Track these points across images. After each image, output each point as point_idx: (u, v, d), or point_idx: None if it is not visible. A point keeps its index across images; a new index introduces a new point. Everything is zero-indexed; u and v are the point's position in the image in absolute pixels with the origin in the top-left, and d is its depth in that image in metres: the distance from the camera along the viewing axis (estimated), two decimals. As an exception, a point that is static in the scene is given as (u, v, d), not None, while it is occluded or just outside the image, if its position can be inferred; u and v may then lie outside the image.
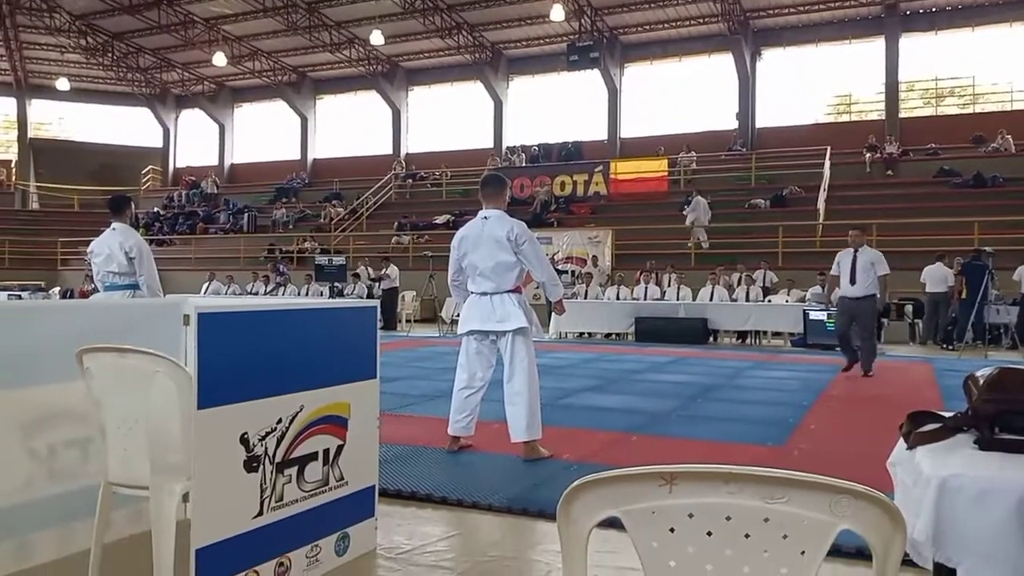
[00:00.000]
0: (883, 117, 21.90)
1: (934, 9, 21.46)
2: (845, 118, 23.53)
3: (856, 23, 22.08)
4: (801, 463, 4.64)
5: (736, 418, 6.19)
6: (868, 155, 20.43)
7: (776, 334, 13.94)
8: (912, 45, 21.76)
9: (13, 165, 30.28)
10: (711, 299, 14.13)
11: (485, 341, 4.85)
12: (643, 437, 5.41)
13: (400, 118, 27.85)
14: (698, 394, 7.46)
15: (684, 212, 18.68)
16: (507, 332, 4.72)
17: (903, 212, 16.78)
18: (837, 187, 19.31)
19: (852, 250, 8.74)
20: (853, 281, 8.61)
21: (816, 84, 23.11)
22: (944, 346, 13.10)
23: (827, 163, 19.76)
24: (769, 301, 14.22)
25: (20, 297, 18.73)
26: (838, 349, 12.16)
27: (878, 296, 8.68)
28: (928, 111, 22.57)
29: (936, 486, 1.62)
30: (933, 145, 20.33)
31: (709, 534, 1.20)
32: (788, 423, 5.97)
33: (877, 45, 21.93)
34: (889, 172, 20.18)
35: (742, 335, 14.20)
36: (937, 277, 13.47)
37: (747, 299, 14.13)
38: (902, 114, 21.96)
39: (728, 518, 1.19)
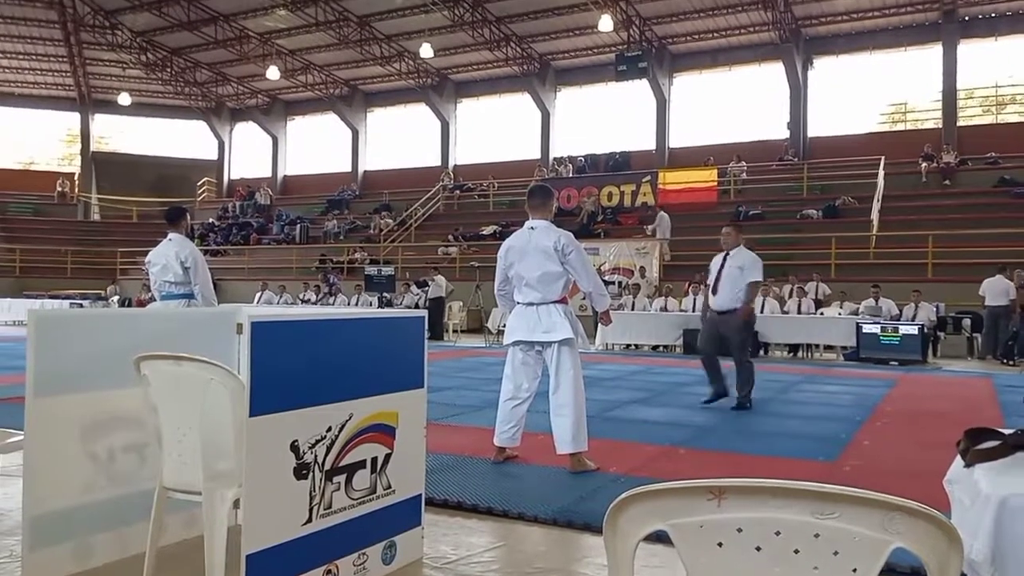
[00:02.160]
0: (940, 126, 21.40)
1: (994, 15, 20.92)
2: (900, 127, 23.04)
3: (912, 30, 21.62)
4: (853, 479, 4.53)
5: (786, 433, 6.08)
6: (924, 165, 19.97)
7: (828, 348, 13.68)
8: (971, 51, 21.24)
9: (76, 178, 31.29)
10: (761, 311, 13.90)
11: (531, 352, 4.85)
12: (691, 451, 5.35)
13: (449, 130, 28.10)
14: (748, 408, 7.34)
15: (647, 229, 18.87)
16: (553, 343, 4.71)
17: (961, 223, 16.36)
18: (892, 197, 18.90)
19: (723, 254, 7.33)
20: (715, 290, 7.24)
21: (870, 92, 22.68)
22: (1004, 361, 12.69)
23: (881, 173, 19.35)
24: (821, 314, 13.97)
25: (81, 306, 19.32)
26: (893, 362, 12.00)
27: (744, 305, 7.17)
28: (988, 119, 21.99)
29: (996, 505, 1.58)
30: (993, 154, 19.79)
31: (758, 549, 1.19)
32: (840, 438, 5.84)
33: (934, 52, 21.46)
34: (946, 182, 19.68)
35: (793, 348, 13.97)
36: (997, 290, 13.09)
37: (798, 311, 13.90)
38: (960, 122, 21.42)
39: (777, 533, 1.17)
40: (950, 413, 7.13)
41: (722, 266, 7.21)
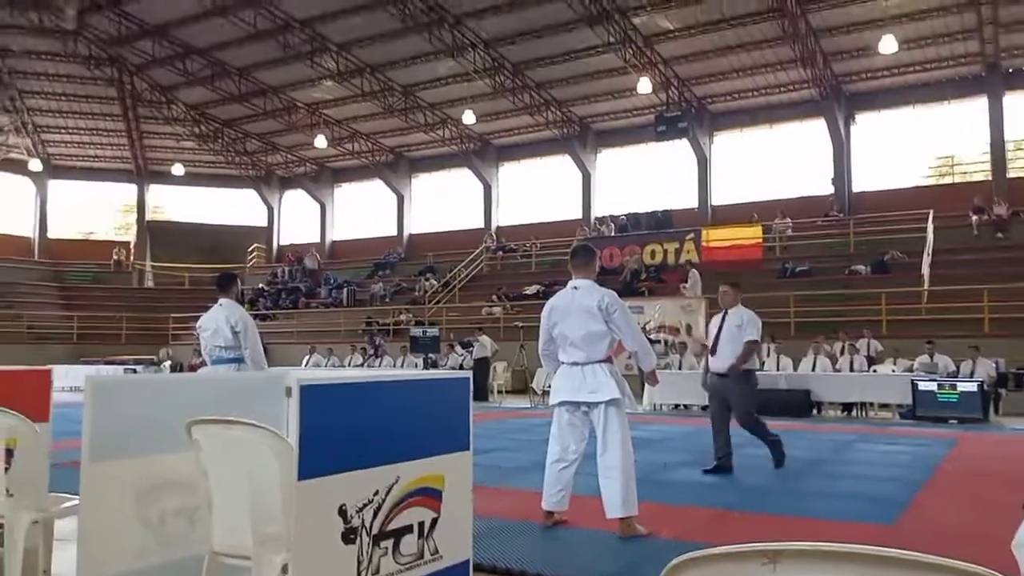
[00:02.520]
0: (990, 178, 21.07)
1: (1039, 65, 20.75)
2: (948, 180, 22.74)
3: (954, 83, 21.49)
4: (914, 542, 4.36)
5: (842, 494, 5.90)
6: (975, 217, 19.62)
7: (883, 406, 13.30)
8: (1017, 102, 21.01)
9: (132, 246, 32.34)
10: (813, 369, 13.66)
11: (577, 412, 4.81)
12: (744, 514, 5.22)
13: (491, 192, 28.51)
14: (802, 469, 7.16)
15: (683, 288, 18.64)
16: (600, 403, 4.67)
17: (1017, 276, 15.95)
18: (942, 251, 18.56)
19: (722, 313, 7.15)
20: (714, 351, 7.07)
21: (915, 146, 22.49)
22: (1071, 418, 12.21)
23: (930, 226, 19.05)
24: (874, 371, 13.64)
25: (135, 371, 19.73)
26: (952, 421, 11.61)
27: (752, 371, 7.07)
28: (1038, 170, 21.60)
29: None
30: (1046, 205, 19.39)
31: (815, 615, 1.15)
32: (898, 500, 5.65)
33: (979, 104, 21.27)
34: (999, 235, 19.27)
35: (847, 407, 13.60)
36: (1059, 344, 12.66)
37: (851, 369, 13.60)
38: (1010, 174, 21.06)
39: (836, 599, 1.14)
40: (1015, 473, 6.85)
41: (721, 326, 7.03)
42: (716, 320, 7.19)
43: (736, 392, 6.91)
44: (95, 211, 33.25)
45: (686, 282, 18.97)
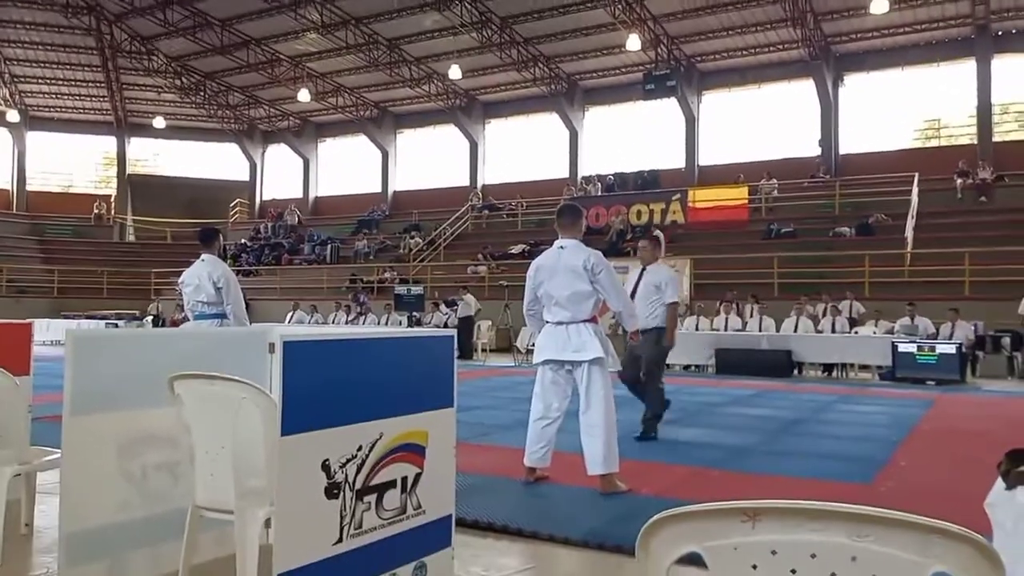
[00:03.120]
0: (975, 142, 21.09)
1: (1028, 29, 20.67)
2: (934, 143, 22.75)
3: (944, 45, 21.40)
4: (890, 501, 4.44)
5: (821, 454, 5.99)
6: (959, 181, 19.67)
7: (864, 367, 13.46)
8: (1006, 66, 20.95)
9: (112, 200, 31.93)
10: (795, 330, 13.77)
11: (561, 371, 4.83)
12: (724, 472, 5.29)
13: (477, 150, 28.28)
14: (782, 429, 7.26)
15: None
16: (583, 362, 4.69)
17: (998, 240, 16.07)
18: (926, 215, 18.65)
19: (640, 269, 6.73)
20: None
21: (903, 109, 22.45)
22: (1046, 380, 12.42)
23: (915, 190, 19.11)
24: (856, 333, 13.77)
25: (116, 326, 19.62)
26: (930, 382, 11.77)
27: (664, 329, 6.52)
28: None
29: (1039, 529, 1.54)
30: (1030, 169, 19.47)
31: (793, 572, 1.17)
32: (876, 460, 5.74)
33: (968, 67, 21.20)
34: (983, 198, 19.36)
35: (828, 368, 13.77)
36: (1038, 307, 12.83)
37: (833, 330, 13.72)
38: (996, 138, 21.09)
39: (813, 556, 1.15)
40: (990, 433, 6.97)
41: (638, 282, 6.57)
42: (633, 276, 6.73)
43: (647, 350, 6.44)
44: (75, 164, 32.74)
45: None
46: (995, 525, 1.89)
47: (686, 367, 14.46)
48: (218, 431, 2.68)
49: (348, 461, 2.61)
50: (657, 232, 8.31)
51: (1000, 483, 1.90)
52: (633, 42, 20.83)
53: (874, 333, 13.66)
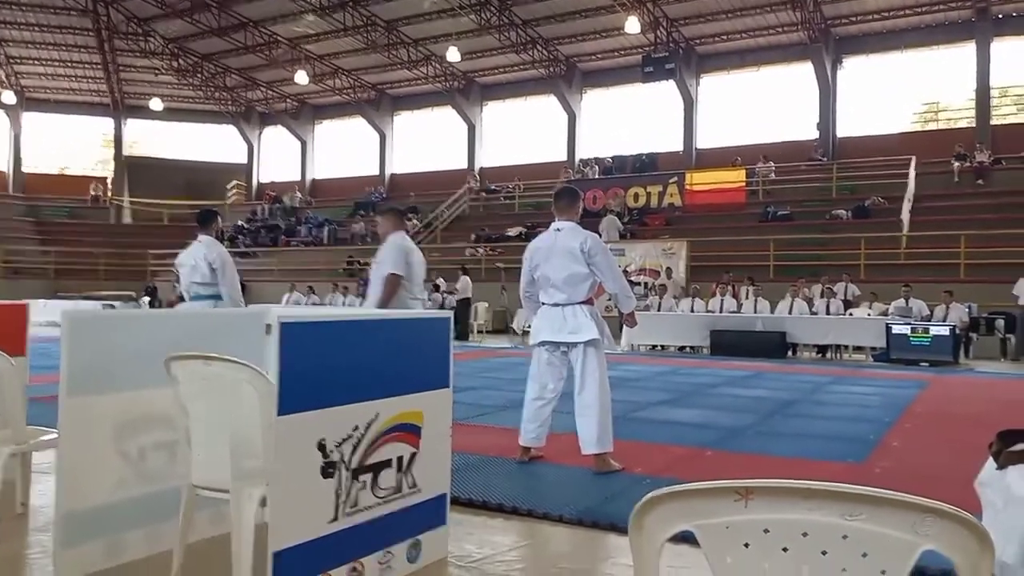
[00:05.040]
0: (973, 125, 21.04)
1: (1028, 12, 20.57)
2: (932, 126, 22.71)
3: (944, 28, 21.29)
4: (882, 481, 4.47)
5: (814, 434, 6.02)
6: (957, 164, 19.66)
7: (857, 349, 13.52)
8: (1005, 49, 20.87)
9: (109, 182, 31.79)
10: (790, 312, 13.80)
11: (557, 352, 4.85)
12: (718, 452, 5.31)
13: (475, 132, 28.17)
14: (775, 409, 7.28)
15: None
16: (579, 344, 4.71)
17: (995, 223, 16.09)
18: (923, 198, 18.65)
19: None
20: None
21: (902, 92, 22.38)
22: (1039, 363, 12.47)
23: (912, 173, 19.09)
24: (850, 314, 13.81)
25: (113, 307, 19.62)
26: (924, 363, 11.81)
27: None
28: (1022, 118, 21.58)
29: (1029, 508, 1.55)
30: (1027, 153, 19.45)
31: (785, 550, 1.18)
32: (869, 440, 5.77)
33: (967, 50, 21.12)
34: (980, 181, 19.36)
35: (822, 349, 13.82)
36: (1032, 290, 12.86)
37: (827, 312, 13.75)
38: (994, 121, 21.04)
39: (805, 534, 1.16)
40: (982, 415, 7.01)
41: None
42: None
43: None
44: (71, 145, 32.57)
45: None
46: (985, 504, 1.91)
47: (681, 348, 14.51)
48: (215, 412, 2.68)
49: (344, 441, 2.62)
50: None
51: (991, 463, 1.91)
52: (632, 24, 20.72)
53: (869, 315, 13.70)
